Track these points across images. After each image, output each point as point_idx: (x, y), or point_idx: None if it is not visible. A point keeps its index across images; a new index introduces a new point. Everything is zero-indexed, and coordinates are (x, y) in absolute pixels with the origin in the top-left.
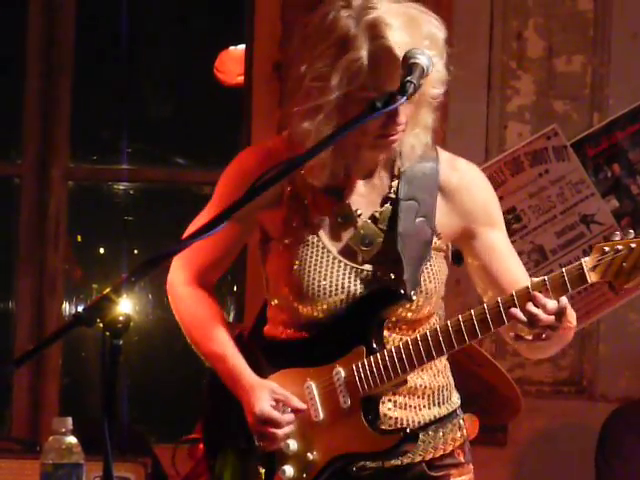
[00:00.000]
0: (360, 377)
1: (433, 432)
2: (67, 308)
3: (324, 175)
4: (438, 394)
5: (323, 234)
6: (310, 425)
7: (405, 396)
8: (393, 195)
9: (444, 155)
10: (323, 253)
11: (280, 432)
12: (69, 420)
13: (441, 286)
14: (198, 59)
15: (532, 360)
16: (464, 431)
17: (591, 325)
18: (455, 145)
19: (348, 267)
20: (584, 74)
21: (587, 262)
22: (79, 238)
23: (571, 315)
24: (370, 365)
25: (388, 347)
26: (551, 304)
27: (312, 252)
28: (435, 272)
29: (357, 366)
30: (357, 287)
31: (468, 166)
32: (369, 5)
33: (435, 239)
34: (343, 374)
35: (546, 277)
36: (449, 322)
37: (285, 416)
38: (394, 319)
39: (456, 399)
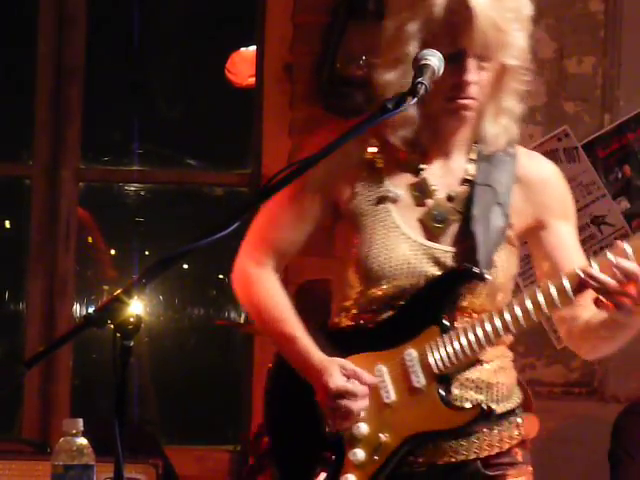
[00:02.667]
0: (434, 356)
1: (488, 429)
2: (78, 309)
3: (404, 132)
4: (497, 392)
5: (393, 208)
6: (381, 407)
7: (462, 390)
8: (470, 177)
9: (522, 149)
10: (391, 228)
11: (356, 405)
12: (80, 421)
13: (510, 281)
14: (209, 60)
15: (543, 361)
16: (522, 430)
17: None
18: None
19: (416, 244)
20: (595, 75)
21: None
22: (90, 239)
23: None
24: (444, 344)
25: (461, 325)
26: (629, 264)
27: (379, 226)
28: (504, 263)
29: (430, 346)
30: (425, 265)
31: (546, 160)
32: None
33: (508, 229)
34: (415, 354)
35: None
36: (525, 294)
37: (360, 387)
38: (465, 304)
39: (516, 398)
